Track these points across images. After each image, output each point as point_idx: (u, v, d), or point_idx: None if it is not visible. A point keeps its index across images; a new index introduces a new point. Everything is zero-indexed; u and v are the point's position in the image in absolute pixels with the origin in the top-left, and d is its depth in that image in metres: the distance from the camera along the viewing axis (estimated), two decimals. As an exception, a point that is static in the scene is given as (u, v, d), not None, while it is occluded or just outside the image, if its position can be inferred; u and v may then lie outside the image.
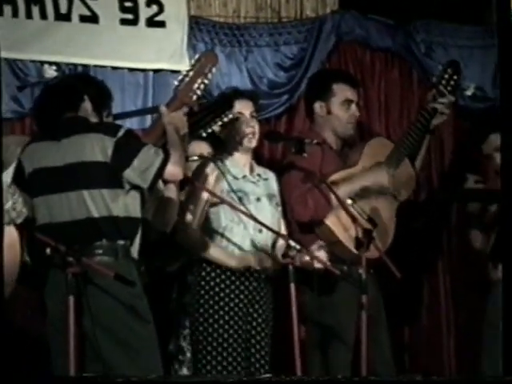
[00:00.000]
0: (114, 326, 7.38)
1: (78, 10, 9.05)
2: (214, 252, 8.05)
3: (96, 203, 7.45)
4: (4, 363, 6.89)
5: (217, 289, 8.12)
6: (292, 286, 7.61)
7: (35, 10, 9.09)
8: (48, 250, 7.15)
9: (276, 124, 9.05)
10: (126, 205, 7.41)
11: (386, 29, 9.43)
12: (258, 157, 8.37)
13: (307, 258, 7.76)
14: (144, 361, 7.32)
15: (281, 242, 7.98)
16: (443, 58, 9.11)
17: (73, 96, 7.61)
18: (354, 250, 7.84)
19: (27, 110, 8.69)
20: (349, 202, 8.09)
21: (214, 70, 7.93)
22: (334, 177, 8.16)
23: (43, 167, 7.47)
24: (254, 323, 8.23)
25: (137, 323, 7.39)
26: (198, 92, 7.76)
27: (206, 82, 7.78)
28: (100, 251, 7.41)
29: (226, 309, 8.11)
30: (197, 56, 8.08)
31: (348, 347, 8.10)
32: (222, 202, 7.91)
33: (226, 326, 8.15)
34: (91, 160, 7.35)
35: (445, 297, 9.47)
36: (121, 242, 7.46)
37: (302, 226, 8.19)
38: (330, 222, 8.17)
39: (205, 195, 7.93)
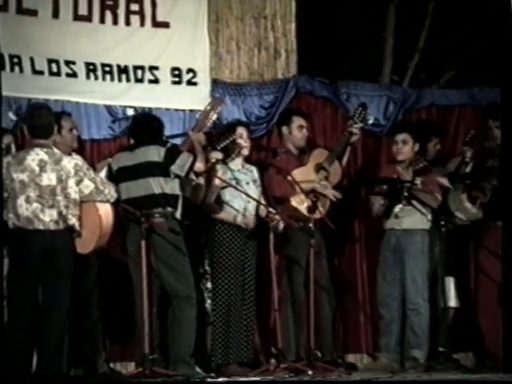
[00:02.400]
0: (168, 258, 7.95)
1: (148, 75, 9.19)
2: (222, 215, 8.39)
3: (155, 186, 8.02)
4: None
5: (224, 236, 8.33)
6: (271, 234, 8.24)
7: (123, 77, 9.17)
8: (129, 214, 7.82)
9: (259, 141, 9.25)
10: (172, 187, 8.07)
11: (324, 85, 9.71)
12: (249, 158, 8.73)
13: (278, 217, 8.25)
14: (185, 280, 7.92)
15: (262, 208, 8.43)
16: (356, 101, 9.35)
17: (152, 126, 8.18)
18: (306, 214, 8.39)
19: (118, 133, 8.93)
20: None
21: (221, 108, 8.60)
22: (294, 172, 8.53)
23: (125, 166, 8.08)
24: (246, 262, 8.39)
25: (180, 257, 8.03)
26: (212, 122, 8.34)
27: (216, 115, 8.41)
28: (158, 215, 7.92)
29: (228, 247, 8.33)
30: (211, 100, 8.90)
31: (302, 269, 8.46)
32: (227, 185, 8.32)
33: (228, 261, 8.33)
34: (152, 160, 8.03)
35: (359, 243, 9.59)
36: (169, 209, 8.03)
37: (276, 200, 8.52)
38: (293, 198, 8.51)
39: (217, 181, 8.32)
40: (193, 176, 8.06)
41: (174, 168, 7.90)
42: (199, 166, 8.00)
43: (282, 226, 8.28)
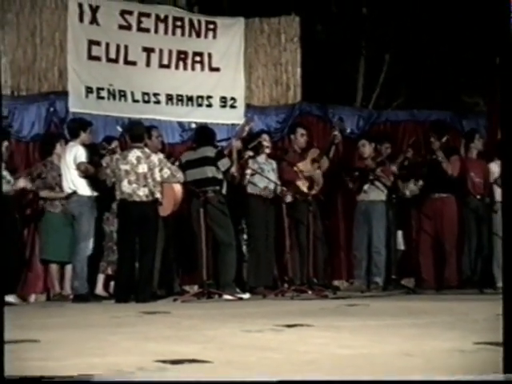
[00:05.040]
0: (217, 219, 7.94)
1: (205, 102, 9.20)
2: (252, 189, 8.35)
3: (209, 172, 7.98)
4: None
5: (253, 204, 8.34)
6: (283, 204, 8.16)
7: (189, 103, 9.17)
8: (192, 191, 7.80)
9: (276, 143, 9.13)
10: (218, 174, 7.99)
11: (318, 108, 9.68)
12: (270, 154, 8.62)
13: (287, 193, 8.22)
14: (229, 233, 7.92)
15: (278, 187, 8.33)
16: (337, 118, 9.23)
17: (208, 134, 8.22)
18: (306, 191, 8.40)
19: (185, 139, 8.92)
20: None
21: (252, 123, 8.54)
22: (298, 164, 8.53)
23: (189, 159, 8.09)
24: (269, 221, 8.34)
25: (225, 218, 8.02)
26: (246, 132, 8.29)
27: (248, 128, 8.33)
28: (210, 191, 7.88)
29: (256, 212, 8.33)
30: (245, 118, 8.89)
31: (304, 226, 8.31)
32: (256, 172, 8.30)
33: (256, 221, 8.31)
34: (208, 156, 8.03)
35: (341, 210, 9.55)
36: (217, 188, 8.01)
37: (286, 182, 8.44)
38: (297, 181, 8.45)
39: (248, 170, 8.30)
40: (233, 169, 8.02)
41: (219, 163, 7.90)
42: (233, 169, 8.00)
43: (290, 198, 8.23)
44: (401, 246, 9.15)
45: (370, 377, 2.74)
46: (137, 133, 7.50)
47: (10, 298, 7.02)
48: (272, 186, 8.37)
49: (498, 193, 8.86)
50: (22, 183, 7.39)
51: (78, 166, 7.51)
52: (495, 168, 8.91)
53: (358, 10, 10.76)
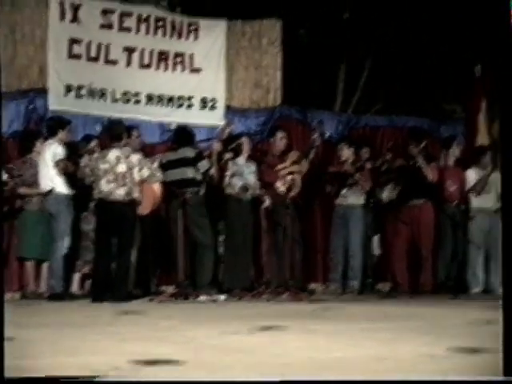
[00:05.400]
0: (195, 220, 7.73)
1: (186, 102, 9.20)
2: (230, 190, 8.31)
3: (188, 173, 7.85)
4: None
5: (232, 206, 8.30)
6: (262, 205, 8.22)
7: (170, 103, 9.18)
8: (171, 191, 7.73)
9: (256, 146, 9.06)
10: (198, 175, 7.87)
11: (297, 111, 9.70)
12: (249, 156, 8.57)
13: (266, 195, 8.23)
14: (207, 234, 7.78)
15: (257, 190, 8.33)
16: (317, 122, 9.33)
17: (188, 135, 8.11)
18: (285, 192, 8.24)
19: (166, 139, 8.86)
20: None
21: (232, 126, 8.53)
22: (278, 166, 8.39)
23: (169, 159, 7.99)
24: (247, 223, 8.28)
25: (203, 219, 7.89)
26: (227, 134, 8.24)
27: (229, 130, 8.29)
28: (189, 192, 7.76)
29: (234, 214, 8.28)
30: (226, 120, 8.87)
31: (282, 229, 8.16)
32: (235, 174, 8.29)
33: (234, 222, 8.25)
34: (187, 156, 7.91)
35: (319, 213, 9.54)
36: (196, 188, 7.88)
37: (266, 184, 8.39)
38: (277, 183, 8.32)
39: (227, 172, 8.29)
40: (212, 171, 7.97)
41: (199, 164, 7.84)
42: (212, 171, 7.97)
43: (268, 203, 8.22)
44: (376, 250, 9.19)
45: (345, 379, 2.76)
46: (116, 132, 7.46)
47: (-16, 296, 6.99)
48: (251, 189, 8.32)
49: (473, 200, 8.93)
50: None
51: (57, 164, 7.47)
52: (472, 175, 8.98)
53: (339, 15, 10.78)
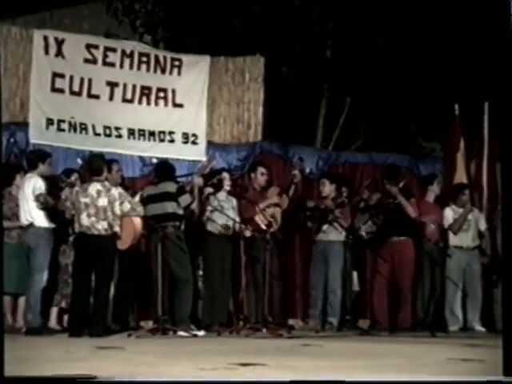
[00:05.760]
0: (175, 255, 7.79)
1: (167, 137, 9.21)
2: (211, 227, 8.37)
3: (169, 207, 7.90)
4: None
5: (211, 242, 8.35)
6: (241, 241, 8.10)
7: (151, 138, 9.21)
8: (151, 225, 7.72)
9: (237, 181, 9.14)
10: (178, 209, 7.90)
11: (278, 147, 9.74)
12: (230, 192, 8.60)
13: (246, 230, 8.19)
14: (186, 269, 7.78)
15: (237, 225, 8.32)
16: (297, 158, 9.30)
17: (169, 169, 8.16)
18: (265, 228, 8.25)
19: (146, 174, 8.94)
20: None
21: (213, 161, 8.58)
22: (259, 201, 8.47)
23: (150, 194, 8.03)
24: (225, 259, 8.32)
25: (183, 254, 7.90)
26: (208, 169, 8.26)
27: (211, 165, 8.33)
28: (169, 226, 7.76)
29: (213, 249, 8.31)
30: (208, 156, 8.91)
31: (261, 265, 8.23)
32: (216, 209, 8.31)
33: (213, 258, 8.29)
34: (168, 191, 7.96)
35: (298, 249, 9.55)
36: (177, 223, 7.92)
37: (246, 220, 8.40)
38: (256, 218, 8.36)
39: (208, 207, 8.32)
40: (193, 206, 8.01)
41: (180, 200, 7.84)
42: (194, 206, 8.00)
43: (249, 233, 8.17)
44: (355, 286, 9.16)
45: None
46: (95, 167, 7.45)
47: (-40, 329, 6.91)
48: (231, 224, 8.33)
49: (452, 238, 8.96)
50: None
51: (37, 198, 7.45)
52: (449, 213, 9.04)
53: (322, 54, 10.88)
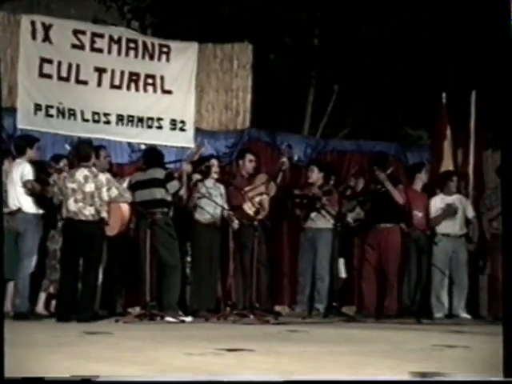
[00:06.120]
0: (163, 241, 7.81)
1: (155, 123, 9.20)
2: (198, 216, 8.39)
3: (157, 193, 7.88)
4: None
5: (199, 229, 8.37)
6: (230, 228, 8.18)
7: (139, 124, 9.20)
8: (140, 211, 7.72)
9: (225, 168, 9.16)
10: (167, 196, 7.89)
11: (266, 134, 9.71)
12: (218, 179, 8.61)
13: (234, 218, 8.20)
14: (174, 255, 7.78)
15: (225, 212, 8.35)
16: (286, 146, 9.23)
17: (157, 156, 8.15)
18: (253, 215, 8.30)
19: (135, 160, 8.94)
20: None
21: (202, 148, 8.56)
22: (245, 188, 8.48)
23: (138, 180, 8.02)
24: (213, 246, 8.34)
25: (171, 240, 7.90)
26: (197, 156, 8.26)
27: (199, 152, 8.33)
28: (158, 213, 7.75)
29: (201, 235, 8.35)
30: (196, 143, 8.88)
31: (249, 251, 8.29)
32: (204, 196, 8.32)
33: (201, 245, 8.32)
34: (157, 177, 7.95)
35: (286, 236, 9.57)
36: (165, 210, 7.91)
37: (233, 207, 8.42)
38: (244, 205, 8.36)
39: (196, 193, 8.31)
40: (182, 192, 8.01)
41: (168, 185, 7.83)
42: (182, 192, 8.01)
43: (236, 223, 8.20)
44: (342, 273, 9.19)
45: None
46: (83, 152, 7.45)
47: None
48: (219, 211, 8.34)
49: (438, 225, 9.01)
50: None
51: (25, 184, 7.44)
52: (436, 201, 9.07)
53: (309, 41, 10.87)
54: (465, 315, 8.88)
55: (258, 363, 3.90)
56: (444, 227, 9.01)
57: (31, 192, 7.47)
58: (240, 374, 3.50)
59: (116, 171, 8.41)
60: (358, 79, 10.65)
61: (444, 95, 9.65)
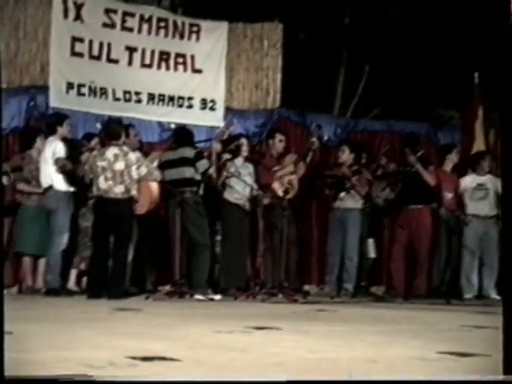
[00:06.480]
0: (193, 219, 7.75)
1: (186, 103, 9.24)
2: (227, 195, 8.40)
3: (187, 172, 7.91)
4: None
5: (228, 208, 8.37)
6: (259, 208, 8.14)
7: (170, 103, 9.27)
8: (170, 190, 7.75)
9: (255, 148, 9.16)
10: (196, 175, 7.93)
11: (296, 114, 9.76)
12: (247, 158, 8.60)
13: (264, 197, 8.19)
14: (203, 234, 7.81)
15: (254, 191, 8.33)
16: (316, 126, 9.19)
17: (187, 135, 8.19)
18: (282, 195, 8.25)
19: (164, 139, 8.98)
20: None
21: (232, 127, 8.58)
22: (276, 168, 8.51)
23: (168, 159, 8.03)
24: (243, 225, 8.33)
25: (200, 218, 7.94)
26: (226, 135, 8.36)
27: (228, 131, 8.41)
28: (187, 191, 7.80)
29: (231, 215, 8.33)
30: (226, 121, 8.91)
31: (278, 231, 8.17)
32: (233, 175, 8.33)
33: (231, 224, 8.33)
34: (186, 156, 7.97)
35: (315, 215, 9.60)
36: (194, 188, 7.93)
37: (263, 186, 8.41)
38: (274, 185, 8.38)
39: (225, 172, 8.33)
40: (211, 171, 8.03)
41: (197, 165, 7.87)
42: (211, 171, 8.03)
43: (266, 201, 8.19)
44: (371, 253, 9.19)
45: (337, 378, 2.79)
46: (113, 131, 7.47)
47: (-18, 290, 7.01)
48: (248, 191, 8.35)
49: (469, 206, 8.93)
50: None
51: (56, 162, 7.51)
52: (467, 181, 9.02)
53: (340, 20, 10.84)
54: (495, 296, 8.81)
55: (285, 341, 3.91)
56: (475, 208, 8.95)
57: (62, 169, 7.54)
58: (267, 351, 3.53)
59: (146, 150, 8.44)
60: (389, 58, 10.60)
61: (476, 75, 9.56)
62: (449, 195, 8.92)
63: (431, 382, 2.71)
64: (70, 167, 7.55)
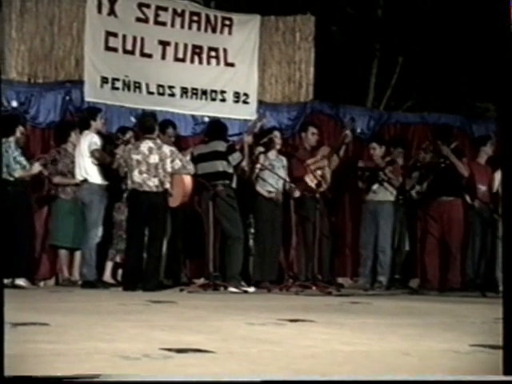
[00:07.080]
0: (226, 212, 7.89)
1: (219, 96, 9.26)
2: (260, 188, 8.39)
3: (219, 166, 7.96)
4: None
5: (262, 202, 8.34)
6: (292, 200, 8.17)
7: (203, 97, 9.27)
8: (203, 183, 7.78)
9: (287, 141, 9.17)
10: (229, 168, 7.98)
11: (329, 107, 9.73)
12: (280, 151, 8.60)
13: (296, 190, 8.22)
14: (237, 226, 7.85)
15: (287, 184, 8.34)
16: (349, 117, 9.30)
17: (221, 128, 8.22)
18: (315, 188, 8.25)
19: (198, 132, 8.97)
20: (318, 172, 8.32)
21: (264, 120, 8.59)
22: (308, 161, 8.45)
23: (200, 153, 8.08)
24: (276, 218, 8.31)
25: (233, 212, 7.98)
26: (258, 128, 8.35)
27: (260, 124, 8.40)
28: (220, 185, 7.84)
29: (264, 208, 8.32)
30: (258, 114, 8.93)
31: (311, 224, 8.21)
32: (266, 168, 8.32)
33: (264, 217, 8.28)
34: (219, 150, 8.01)
35: (348, 208, 9.63)
36: (227, 182, 7.98)
37: (296, 179, 8.40)
38: (306, 178, 8.35)
39: (258, 165, 8.32)
40: (243, 164, 8.05)
41: (230, 158, 7.90)
42: (244, 164, 8.05)
43: (298, 193, 8.17)
44: (406, 246, 9.14)
45: (368, 373, 2.79)
46: (147, 125, 7.51)
47: (20, 282, 7.14)
48: (281, 183, 8.36)
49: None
50: (37, 168, 7.46)
51: (93, 153, 7.59)
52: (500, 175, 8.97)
53: (373, 13, 10.78)
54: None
55: (318, 334, 3.92)
56: (509, 199, 8.86)
57: (98, 161, 7.61)
58: (300, 344, 3.54)
59: (180, 144, 8.47)
60: (422, 50, 10.52)
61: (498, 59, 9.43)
62: (482, 188, 8.85)
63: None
64: (107, 159, 7.61)
